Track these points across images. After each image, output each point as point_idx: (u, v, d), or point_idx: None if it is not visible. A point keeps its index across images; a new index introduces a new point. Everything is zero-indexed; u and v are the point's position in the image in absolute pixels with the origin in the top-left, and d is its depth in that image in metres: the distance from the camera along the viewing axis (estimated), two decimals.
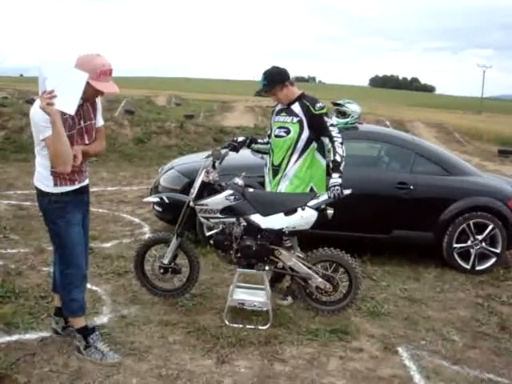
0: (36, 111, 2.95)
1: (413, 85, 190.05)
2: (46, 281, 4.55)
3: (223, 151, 4.19)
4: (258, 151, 4.59)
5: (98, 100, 3.30)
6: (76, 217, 3.26)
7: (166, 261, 4.16)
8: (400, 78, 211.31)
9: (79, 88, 2.86)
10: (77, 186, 3.26)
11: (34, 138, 3.08)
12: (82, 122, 3.16)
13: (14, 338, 3.54)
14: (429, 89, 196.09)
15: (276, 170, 4.32)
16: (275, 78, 4.22)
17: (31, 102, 20.84)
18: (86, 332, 3.36)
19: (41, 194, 3.22)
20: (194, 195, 4.01)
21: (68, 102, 2.85)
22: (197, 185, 4.02)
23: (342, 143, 4.08)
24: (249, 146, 4.55)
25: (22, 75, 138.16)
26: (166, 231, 5.74)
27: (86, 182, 3.40)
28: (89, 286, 4.36)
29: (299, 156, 4.22)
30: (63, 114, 2.94)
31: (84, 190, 3.37)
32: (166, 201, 4.24)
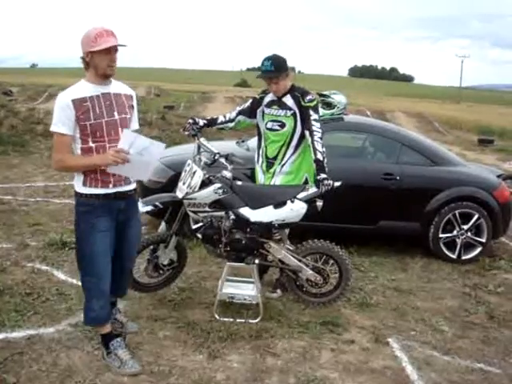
0: (59, 99, 2.86)
1: (392, 75, 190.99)
2: (31, 277, 4.47)
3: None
4: (221, 129, 4.50)
5: (134, 100, 3.14)
6: (104, 223, 2.99)
7: (165, 262, 4.07)
8: (379, 67, 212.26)
9: (156, 157, 2.94)
10: (110, 189, 2.98)
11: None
12: (115, 114, 2.95)
13: (1, 336, 3.46)
14: (408, 78, 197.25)
15: (271, 163, 4.25)
16: (282, 65, 4.10)
17: (8, 93, 20.36)
18: (106, 339, 3.23)
19: (74, 194, 3.05)
20: (191, 192, 3.84)
21: (142, 173, 2.97)
22: (198, 182, 3.84)
23: (321, 138, 3.98)
24: (209, 127, 4.43)
25: None
26: (147, 223, 5.67)
27: (127, 188, 3.08)
28: (75, 281, 4.30)
29: (295, 149, 4.16)
30: (84, 101, 2.86)
31: (121, 196, 3.05)
32: (161, 206, 4.05)
